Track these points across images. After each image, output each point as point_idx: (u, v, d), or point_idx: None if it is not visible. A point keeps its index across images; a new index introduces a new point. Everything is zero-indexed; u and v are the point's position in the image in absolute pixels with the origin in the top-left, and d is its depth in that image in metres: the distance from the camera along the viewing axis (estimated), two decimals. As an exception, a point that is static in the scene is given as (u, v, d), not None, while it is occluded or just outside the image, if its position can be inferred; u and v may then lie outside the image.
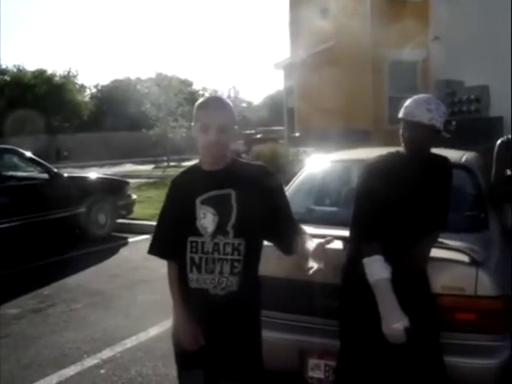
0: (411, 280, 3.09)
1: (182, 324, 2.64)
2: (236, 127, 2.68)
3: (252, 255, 2.63)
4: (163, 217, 2.78)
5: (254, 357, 2.73)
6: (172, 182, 2.81)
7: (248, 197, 2.57)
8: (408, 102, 3.13)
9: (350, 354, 3.25)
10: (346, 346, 3.28)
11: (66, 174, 10.29)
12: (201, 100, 2.66)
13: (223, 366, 2.65)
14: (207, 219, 2.57)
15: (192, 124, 2.64)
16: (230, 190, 2.58)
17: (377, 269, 2.94)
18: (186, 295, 2.65)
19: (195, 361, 2.68)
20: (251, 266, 2.64)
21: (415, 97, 3.15)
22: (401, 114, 3.12)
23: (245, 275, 2.58)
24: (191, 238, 2.58)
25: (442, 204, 3.28)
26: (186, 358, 2.73)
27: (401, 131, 3.16)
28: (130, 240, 10.63)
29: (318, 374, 3.54)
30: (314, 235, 3.63)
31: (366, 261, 2.96)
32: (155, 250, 2.76)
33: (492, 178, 4.32)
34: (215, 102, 2.62)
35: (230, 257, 2.55)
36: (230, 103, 2.64)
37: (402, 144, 3.19)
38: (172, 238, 2.68)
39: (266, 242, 2.76)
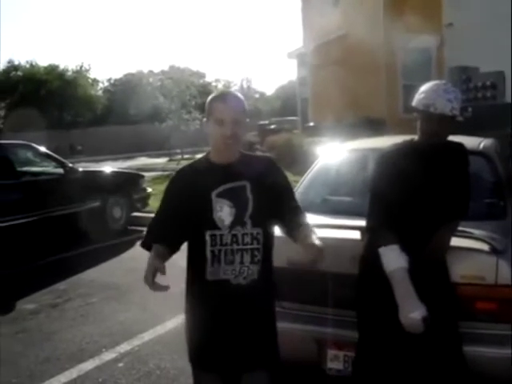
0: (430, 269, 3.06)
1: (151, 260, 2.48)
2: (248, 120, 2.70)
3: (268, 244, 2.68)
4: (165, 209, 2.71)
5: (274, 344, 2.76)
6: (177, 174, 2.75)
7: (261, 187, 2.62)
8: (426, 93, 3.04)
9: (368, 344, 3.23)
10: (363, 336, 3.26)
11: (80, 169, 10.32)
12: (214, 94, 2.69)
13: (244, 356, 2.66)
14: (224, 212, 2.58)
15: (205, 119, 2.66)
16: (245, 181, 2.63)
17: (393, 258, 2.91)
18: (202, 289, 2.65)
19: (212, 362, 2.69)
20: (268, 255, 2.69)
21: (431, 85, 3.07)
22: (420, 106, 3.04)
23: (263, 263, 2.63)
24: (210, 232, 2.57)
25: (462, 192, 3.24)
26: (202, 358, 2.73)
27: (419, 122, 3.11)
28: (146, 233, 10.64)
29: (337, 365, 3.52)
30: (330, 225, 3.63)
31: (383, 250, 2.93)
32: (149, 238, 2.67)
33: (511, 165, 4.26)
34: (229, 96, 2.65)
35: (249, 246, 2.59)
36: (242, 97, 2.67)
37: (419, 133, 3.14)
38: (172, 231, 2.62)
39: (280, 233, 2.77)
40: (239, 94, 2.69)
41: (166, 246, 2.59)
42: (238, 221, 2.58)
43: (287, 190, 2.77)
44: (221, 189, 2.60)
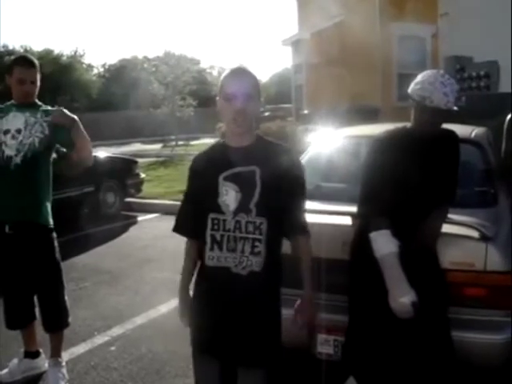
0: (421, 255, 3.08)
1: (182, 308, 2.75)
2: (262, 99, 2.61)
3: (274, 235, 2.54)
4: (186, 194, 2.75)
5: (274, 341, 2.63)
6: (193, 160, 2.74)
7: (272, 175, 2.50)
8: (423, 84, 3.01)
9: (358, 329, 3.26)
10: (354, 321, 3.29)
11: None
12: (225, 71, 2.60)
13: (241, 351, 2.56)
14: (229, 196, 2.49)
15: (217, 98, 2.57)
16: (255, 167, 2.51)
17: (384, 243, 2.93)
18: (203, 273, 2.62)
19: (212, 347, 2.61)
20: (274, 247, 2.57)
21: (429, 76, 3.03)
22: (416, 97, 3.04)
23: (267, 256, 2.50)
24: (212, 215, 2.51)
25: (450, 178, 3.26)
26: (202, 341, 2.66)
27: (412, 110, 3.12)
28: (139, 219, 10.70)
29: (327, 350, 3.55)
30: (321, 211, 3.65)
31: (373, 235, 2.94)
32: (179, 228, 2.74)
33: (502, 153, 4.29)
34: (238, 70, 2.56)
35: (251, 236, 2.47)
36: (254, 73, 2.58)
37: (412, 121, 3.16)
38: (194, 216, 2.61)
39: None
40: (251, 70, 2.58)
41: (196, 239, 2.67)
42: (242, 207, 2.48)
43: (298, 185, 2.62)
44: (229, 172, 2.51)
